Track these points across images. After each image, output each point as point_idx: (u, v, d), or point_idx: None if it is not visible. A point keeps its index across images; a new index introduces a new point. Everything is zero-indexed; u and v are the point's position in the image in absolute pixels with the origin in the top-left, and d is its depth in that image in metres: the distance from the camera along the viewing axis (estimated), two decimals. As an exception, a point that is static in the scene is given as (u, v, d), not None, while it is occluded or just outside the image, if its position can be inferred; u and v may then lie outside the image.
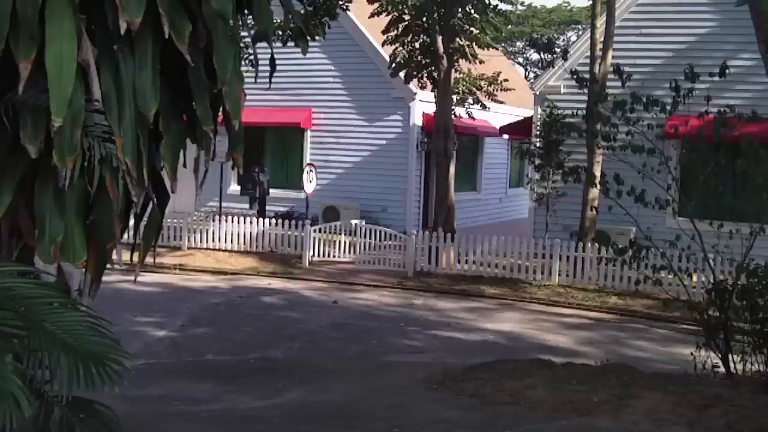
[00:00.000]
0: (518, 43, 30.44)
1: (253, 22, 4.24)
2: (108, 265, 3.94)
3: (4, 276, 2.97)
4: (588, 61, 15.42)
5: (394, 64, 17.57)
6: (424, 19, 17.06)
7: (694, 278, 13.21)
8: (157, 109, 3.65)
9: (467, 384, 7.62)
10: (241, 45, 4.42)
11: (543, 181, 16.62)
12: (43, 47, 3.31)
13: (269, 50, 4.24)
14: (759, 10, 7.70)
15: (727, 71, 7.93)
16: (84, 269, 3.77)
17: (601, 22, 15.33)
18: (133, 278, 4.40)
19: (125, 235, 4.03)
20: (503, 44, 25.59)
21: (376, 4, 17.09)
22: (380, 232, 16.62)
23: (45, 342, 2.73)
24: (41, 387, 2.85)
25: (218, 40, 3.72)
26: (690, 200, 8.48)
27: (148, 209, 4.08)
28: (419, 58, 17.51)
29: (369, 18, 17.89)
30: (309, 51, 4.86)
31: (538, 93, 18.06)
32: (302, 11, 14.61)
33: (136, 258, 4.13)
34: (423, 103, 20.02)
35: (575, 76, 8.72)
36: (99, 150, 3.44)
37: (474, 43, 17.60)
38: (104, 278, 3.98)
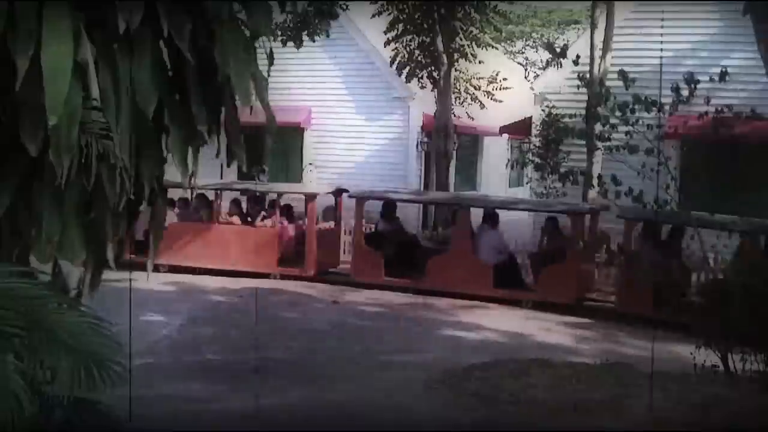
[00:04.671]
0: (518, 43, 30.39)
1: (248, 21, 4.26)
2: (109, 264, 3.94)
3: (5, 276, 2.97)
4: (588, 61, 15.42)
5: (396, 64, 17.58)
6: (425, 18, 17.08)
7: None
8: (161, 104, 3.66)
9: (467, 384, 7.62)
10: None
11: (543, 181, 16.62)
12: (40, 46, 3.31)
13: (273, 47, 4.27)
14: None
15: (727, 74, 7.96)
16: (83, 267, 3.77)
17: (601, 22, 15.33)
18: (131, 277, 4.41)
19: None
20: (503, 44, 25.57)
21: (378, 4, 17.10)
22: (380, 231, 16.58)
23: (46, 342, 2.74)
24: (42, 387, 2.85)
25: (221, 33, 3.73)
26: (689, 200, 8.49)
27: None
28: (419, 57, 17.51)
29: (371, 18, 17.90)
30: (309, 51, 4.90)
31: (537, 93, 18.05)
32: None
33: (135, 256, 4.13)
34: (423, 103, 20.02)
35: (581, 80, 8.76)
36: (96, 147, 3.44)
37: (474, 43, 17.60)
38: (104, 276, 3.97)
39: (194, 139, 3.97)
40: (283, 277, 14.45)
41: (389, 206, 15.32)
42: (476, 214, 14.72)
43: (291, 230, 15.50)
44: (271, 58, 4.41)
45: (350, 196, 15.07)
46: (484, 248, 13.58)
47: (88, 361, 2.76)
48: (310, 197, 15.09)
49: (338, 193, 15.85)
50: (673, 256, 12.33)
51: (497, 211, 14.32)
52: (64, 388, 2.79)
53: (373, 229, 15.76)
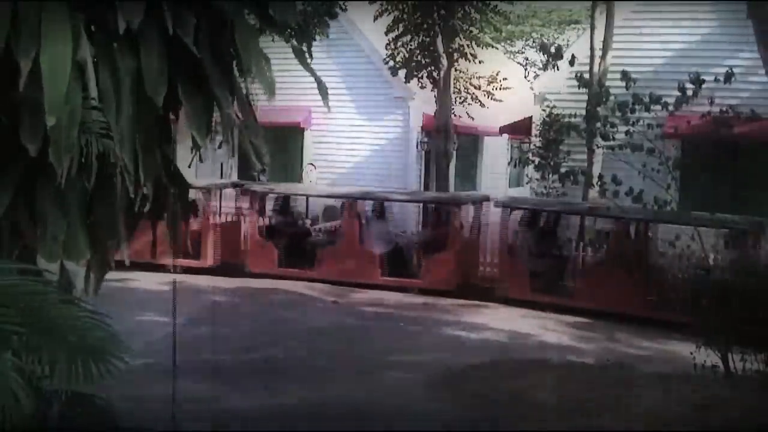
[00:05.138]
0: (518, 43, 30.34)
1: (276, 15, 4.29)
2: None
3: (4, 274, 2.97)
4: (587, 61, 15.42)
5: (393, 63, 17.58)
6: (425, 18, 17.09)
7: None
8: (177, 85, 3.66)
9: (467, 384, 7.63)
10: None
11: (543, 180, 16.61)
12: (39, 46, 3.31)
13: (274, 48, 4.28)
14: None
15: (733, 75, 7.96)
16: (86, 267, 3.77)
17: (600, 22, 15.34)
18: (132, 278, 4.43)
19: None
20: (503, 44, 25.55)
21: (379, 5, 17.10)
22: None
23: (44, 338, 2.74)
24: (40, 382, 2.85)
25: (239, 29, 3.74)
26: (689, 200, 8.50)
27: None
28: (419, 57, 17.51)
29: (374, 21, 17.90)
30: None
31: (537, 93, 18.04)
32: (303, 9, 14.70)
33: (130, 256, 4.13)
34: (423, 103, 19.99)
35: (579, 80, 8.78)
36: (96, 146, 3.44)
37: (474, 43, 17.60)
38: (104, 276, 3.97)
39: (209, 129, 3.98)
40: (183, 269, 14.54)
41: (283, 201, 16.11)
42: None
43: (192, 224, 15.71)
44: (309, 50, 4.48)
45: (245, 190, 15.77)
46: (372, 238, 14.41)
47: (87, 355, 2.77)
48: (206, 191, 15.49)
49: (239, 187, 16.39)
50: (550, 243, 13.98)
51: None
52: (62, 383, 2.80)
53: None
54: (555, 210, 14.08)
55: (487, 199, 14.86)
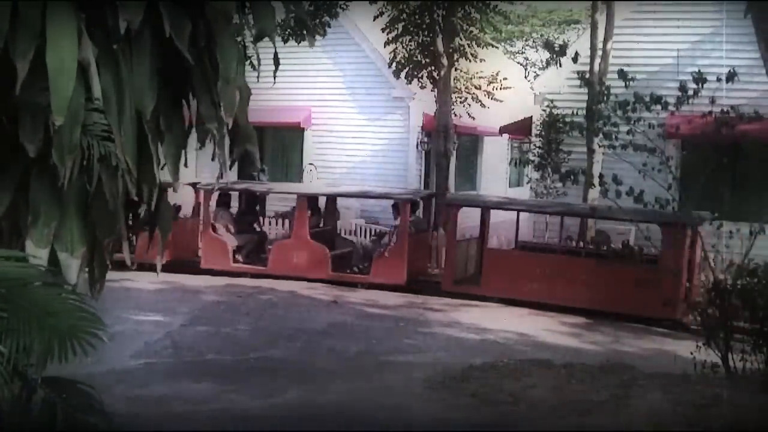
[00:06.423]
0: (518, 43, 30.37)
1: (253, 22, 4.25)
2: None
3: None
4: (588, 60, 15.42)
5: (395, 64, 17.59)
6: (425, 18, 17.10)
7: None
8: (158, 108, 3.65)
9: (467, 384, 7.62)
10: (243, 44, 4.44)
11: (543, 180, 16.61)
12: (43, 46, 3.30)
13: (272, 48, 4.24)
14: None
15: (735, 75, 7.95)
16: (81, 262, 3.76)
17: (601, 22, 15.35)
18: (131, 278, 4.43)
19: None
20: (503, 44, 25.57)
21: (378, 5, 17.10)
22: (380, 232, 16.61)
23: (23, 320, 2.73)
24: (23, 368, 2.84)
25: (222, 39, 3.72)
26: (690, 200, 8.49)
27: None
28: (419, 57, 17.51)
29: (373, 21, 17.91)
30: (309, 51, 4.88)
31: (538, 93, 18.05)
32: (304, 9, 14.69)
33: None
34: (423, 103, 19.99)
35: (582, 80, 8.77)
36: (98, 149, 3.43)
37: (474, 43, 17.61)
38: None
39: (186, 140, 3.98)
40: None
41: None
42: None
43: None
44: (276, 61, 4.40)
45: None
46: None
47: (64, 335, 2.77)
48: None
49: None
50: (251, 221, 16.32)
51: None
52: (40, 363, 2.79)
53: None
54: (247, 191, 16.22)
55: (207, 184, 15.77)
